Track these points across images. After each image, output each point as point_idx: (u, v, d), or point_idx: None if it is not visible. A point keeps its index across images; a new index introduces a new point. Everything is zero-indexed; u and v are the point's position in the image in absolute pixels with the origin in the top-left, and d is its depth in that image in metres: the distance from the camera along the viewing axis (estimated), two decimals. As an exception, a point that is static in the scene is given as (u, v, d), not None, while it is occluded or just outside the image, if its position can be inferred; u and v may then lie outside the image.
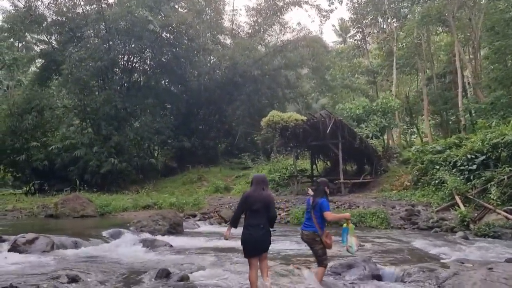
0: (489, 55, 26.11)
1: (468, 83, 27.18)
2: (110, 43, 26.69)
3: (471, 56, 28.80)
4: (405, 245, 8.79)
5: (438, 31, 30.92)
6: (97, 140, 25.05)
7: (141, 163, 26.49)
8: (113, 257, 7.75)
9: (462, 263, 5.96)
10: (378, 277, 5.81)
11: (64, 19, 27.75)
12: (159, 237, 10.06)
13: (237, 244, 9.23)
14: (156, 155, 31.39)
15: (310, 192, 5.99)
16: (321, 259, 5.53)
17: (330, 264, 6.26)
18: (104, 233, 10.23)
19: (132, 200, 18.58)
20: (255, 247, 4.94)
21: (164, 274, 5.87)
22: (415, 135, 35.64)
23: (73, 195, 17.24)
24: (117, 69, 28.98)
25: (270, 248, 5.13)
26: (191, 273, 6.14)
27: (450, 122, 31.77)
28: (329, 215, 5.60)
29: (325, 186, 5.82)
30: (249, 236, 4.90)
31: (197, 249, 8.57)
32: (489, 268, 5.19)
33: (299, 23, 49.05)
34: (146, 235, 10.48)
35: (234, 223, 5.16)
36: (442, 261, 6.70)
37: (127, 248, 8.63)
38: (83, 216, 15.65)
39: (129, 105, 26.69)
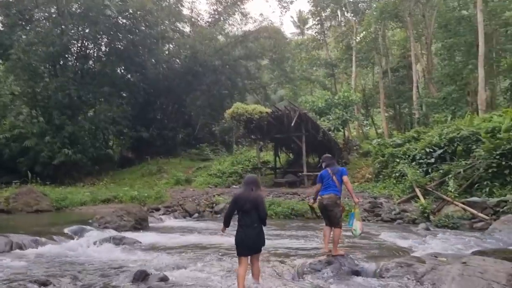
0: (441, 51, 27.29)
1: (419, 77, 28.30)
2: (63, 27, 25.34)
3: (423, 52, 29.96)
4: (374, 238, 9.03)
5: (392, 27, 31.84)
6: (49, 129, 23.87)
7: (97, 154, 25.58)
8: (80, 257, 7.38)
9: (436, 257, 6.18)
10: (357, 273, 5.90)
11: (11, 0, 25.99)
12: (126, 234, 9.72)
13: (208, 240, 9.17)
14: (112, 145, 30.36)
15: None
16: (338, 221, 6.28)
17: (309, 260, 6.32)
18: (66, 230, 9.73)
19: (90, 193, 17.89)
20: (249, 246, 5.09)
21: (142, 276, 5.65)
22: (368, 127, 36.71)
23: (26, 189, 16.31)
24: (70, 55, 27.64)
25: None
26: (169, 273, 5.96)
27: (403, 115, 33.03)
28: (347, 179, 6.41)
29: (333, 160, 6.84)
30: (244, 235, 5.05)
31: (169, 246, 8.34)
32: (463, 263, 5.42)
33: (261, 14, 48.93)
34: (111, 232, 10.08)
35: (226, 223, 5.34)
36: (414, 254, 6.92)
37: (94, 247, 8.23)
38: (38, 211, 14.92)
39: (83, 94, 25.57)
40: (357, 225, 6.51)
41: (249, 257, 5.12)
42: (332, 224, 6.34)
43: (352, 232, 6.64)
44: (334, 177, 6.35)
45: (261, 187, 5.50)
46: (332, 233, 6.44)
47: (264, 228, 5.20)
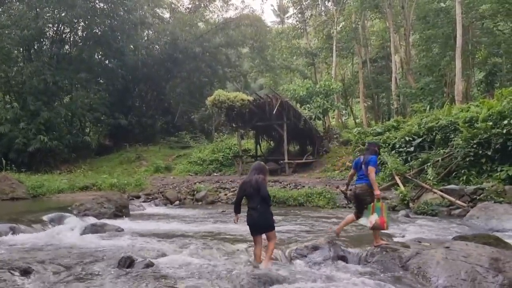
0: (420, 42, 27.67)
1: (397, 68, 28.65)
2: (38, 10, 24.49)
3: (401, 43, 30.30)
4: (356, 225, 9.13)
5: (372, 17, 32.05)
6: (24, 115, 23.20)
7: (74, 141, 25.01)
8: (62, 245, 7.20)
9: (420, 242, 6.30)
10: (343, 258, 5.96)
11: (-19, -20, 24.96)
12: (106, 221, 9.56)
13: (192, 227, 9.12)
14: (89, 132, 29.75)
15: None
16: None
17: (295, 246, 6.36)
18: (45, 218, 9.47)
19: (67, 180, 17.54)
20: (254, 227, 5.48)
21: (127, 262, 5.54)
22: (347, 117, 37.08)
23: (0, 176, 15.87)
24: (45, 40, 26.78)
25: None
26: (154, 259, 5.88)
27: (381, 105, 33.47)
28: (372, 170, 6.07)
29: (375, 147, 6.64)
30: (249, 217, 5.43)
31: (152, 233, 8.24)
32: (447, 247, 5.53)
33: (243, 1, 48.60)
34: (91, 219, 9.94)
35: (236, 209, 5.71)
36: (397, 240, 7.04)
37: (75, 234, 8.07)
38: (14, 199, 14.59)
39: (59, 79, 24.83)
40: (368, 219, 6.09)
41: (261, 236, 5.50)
42: (360, 213, 6.32)
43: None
44: (363, 166, 6.25)
45: (266, 174, 5.69)
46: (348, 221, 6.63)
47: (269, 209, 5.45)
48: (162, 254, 6.33)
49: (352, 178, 6.68)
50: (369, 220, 5.98)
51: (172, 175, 20.21)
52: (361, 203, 6.25)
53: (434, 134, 14.36)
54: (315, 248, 6.15)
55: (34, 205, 13.64)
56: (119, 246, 6.99)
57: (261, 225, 5.41)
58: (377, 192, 6.13)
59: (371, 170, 6.06)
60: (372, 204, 6.04)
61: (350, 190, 6.86)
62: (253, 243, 6.67)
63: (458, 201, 10.95)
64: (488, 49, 24.25)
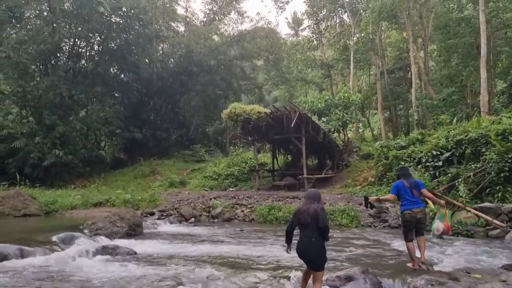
0: (440, 52, 26.88)
1: (415, 79, 27.85)
2: (54, 25, 24.51)
3: (419, 54, 29.54)
4: (386, 248, 8.45)
5: (388, 28, 31.39)
6: (39, 130, 23.07)
7: (88, 155, 24.78)
8: (71, 271, 6.66)
9: (468, 273, 5.59)
10: (381, 291, 5.31)
11: (0, -4, 25.09)
12: (118, 242, 9.04)
13: (211, 249, 8.51)
14: (104, 146, 29.54)
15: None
16: (424, 231, 6.55)
17: (326, 276, 5.70)
18: (55, 238, 8.95)
19: (81, 196, 17.13)
20: (306, 260, 5.02)
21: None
22: (363, 129, 36.22)
23: (13, 192, 15.53)
24: (62, 54, 26.76)
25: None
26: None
27: (399, 117, 32.59)
28: (426, 191, 6.62)
29: (407, 170, 6.93)
30: (301, 247, 4.97)
31: (166, 257, 7.65)
32: (503, 281, 4.84)
33: (258, 13, 48.63)
34: (103, 239, 9.45)
35: (288, 240, 5.23)
36: (438, 268, 6.33)
37: (86, 258, 7.53)
38: (26, 215, 14.18)
39: (75, 93, 24.69)
40: (434, 226, 6.98)
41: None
42: (419, 234, 6.46)
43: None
44: (413, 190, 6.34)
45: (322, 201, 5.25)
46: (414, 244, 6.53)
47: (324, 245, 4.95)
48: (179, 285, 5.74)
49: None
50: (436, 227, 6.79)
51: (187, 189, 19.70)
52: (421, 226, 6.45)
53: (463, 148, 13.49)
54: (349, 278, 5.51)
55: (46, 222, 13.20)
56: (132, 275, 6.43)
57: (313, 260, 4.90)
58: (442, 202, 6.92)
59: (427, 192, 6.63)
60: (439, 213, 6.86)
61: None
62: (274, 267, 6.11)
63: (495, 221, 10.12)
64: (509, 59, 23.36)
